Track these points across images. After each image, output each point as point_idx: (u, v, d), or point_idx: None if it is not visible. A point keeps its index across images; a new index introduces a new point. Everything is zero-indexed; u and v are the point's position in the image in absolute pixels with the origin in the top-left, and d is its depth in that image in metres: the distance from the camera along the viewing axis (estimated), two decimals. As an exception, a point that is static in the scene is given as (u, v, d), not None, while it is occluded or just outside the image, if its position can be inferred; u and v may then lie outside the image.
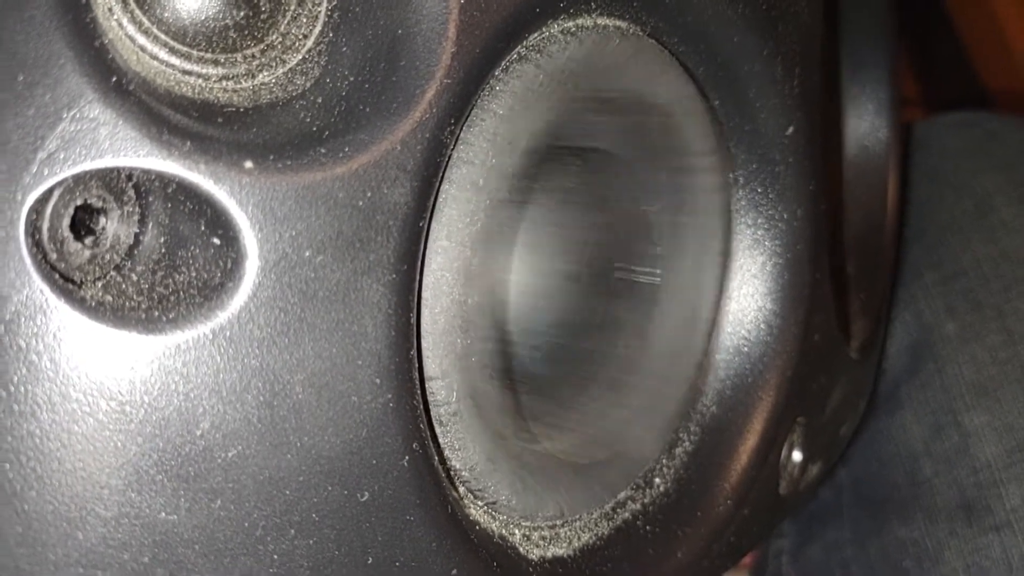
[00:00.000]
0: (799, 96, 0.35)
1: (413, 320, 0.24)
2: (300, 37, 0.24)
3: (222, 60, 0.23)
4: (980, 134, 0.70)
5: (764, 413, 0.37)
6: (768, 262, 0.37)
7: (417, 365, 0.25)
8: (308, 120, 0.23)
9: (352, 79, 0.23)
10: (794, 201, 0.37)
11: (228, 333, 0.21)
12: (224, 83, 0.23)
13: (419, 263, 0.25)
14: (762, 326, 0.37)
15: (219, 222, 0.21)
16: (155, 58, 0.22)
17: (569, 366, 0.33)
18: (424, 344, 0.26)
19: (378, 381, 0.23)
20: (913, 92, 2.10)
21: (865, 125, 0.56)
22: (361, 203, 0.22)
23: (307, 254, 0.22)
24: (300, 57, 0.24)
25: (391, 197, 0.23)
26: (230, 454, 0.21)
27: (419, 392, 0.25)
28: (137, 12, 0.21)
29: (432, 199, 0.25)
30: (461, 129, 0.26)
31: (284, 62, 0.24)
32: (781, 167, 0.36)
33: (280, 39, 0.24)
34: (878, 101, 0.55)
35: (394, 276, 0.23)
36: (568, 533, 0.32)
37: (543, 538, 0.31)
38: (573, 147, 0.32)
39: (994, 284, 0.62)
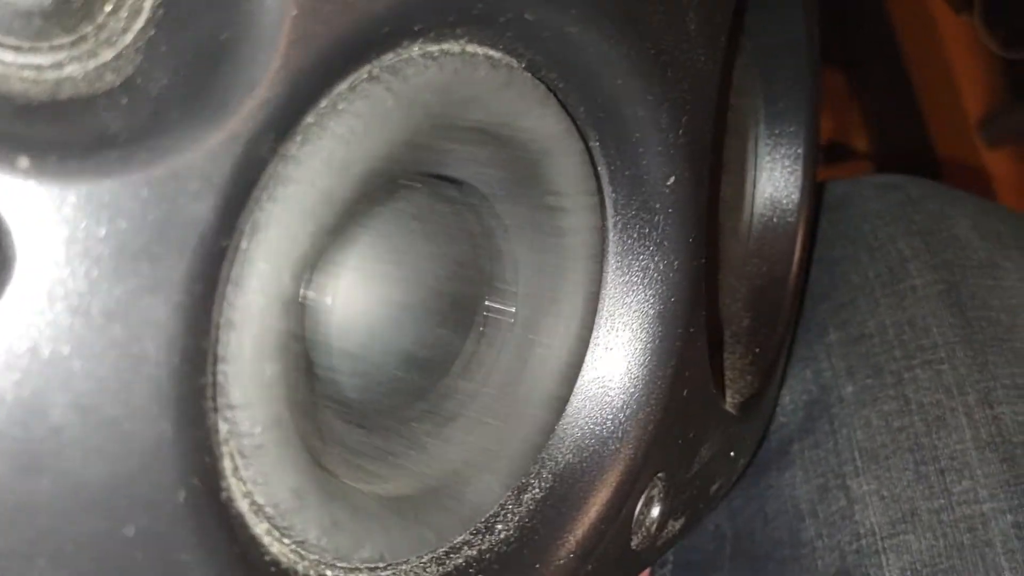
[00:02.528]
0: (684, 146, 0.34)
1: (208, 345, 0.23)
2: (119, 31, 0.22)
3: (25, 48, 0.21)
4: (902, 198, 0.70)
5: (621, 466, 0.36)
6: (639, 311, 0.36)
7: (213, 393, 0.23)
8: (108, 121, 0.21)
9: (165, 81, 0.22)
10: (671, 252, 0.36)
11: (-23, 343, 0.19)
12: (25, 72, 0.21)
13: (221, 284, 0.23)
14: (626, 377, 0.36)
15: (-19, 222, 0.19)
16: (-56, 38, 0.20)
17: (409, 401, 0.32)
18: (229, 370, 0.24)
19: (155, 409, 0.21)
20: (865, 147, 2.13)
21: (778, 179, 0.55)
22: (151, 216, 0.21)
23: (81, 265, 0.20)
24: (115, 53, 0.22)
25: (189, 211, 0.21)
26: (-29, 474, 0.20)
27: (211, 422, 0.23)
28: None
29: (245, 217, 0.23)
30: (292, 146, 0.24)
31: (96, 56, 0.22)
32: (660, 216, 0.35)
33: (95, 31, 0.22)
34: (793, 156, 0.55)
35: (184, 297, 0.21)
36: (391, 577, 0.31)
37: (360, 580, 0.30)
38: (431, 175, 0.31)
39: (897, 351, 0.62)
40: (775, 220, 0.55)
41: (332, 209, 0.25)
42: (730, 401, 0.48)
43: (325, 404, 0.29)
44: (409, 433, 0.32)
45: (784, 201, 0.55)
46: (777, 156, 0.55)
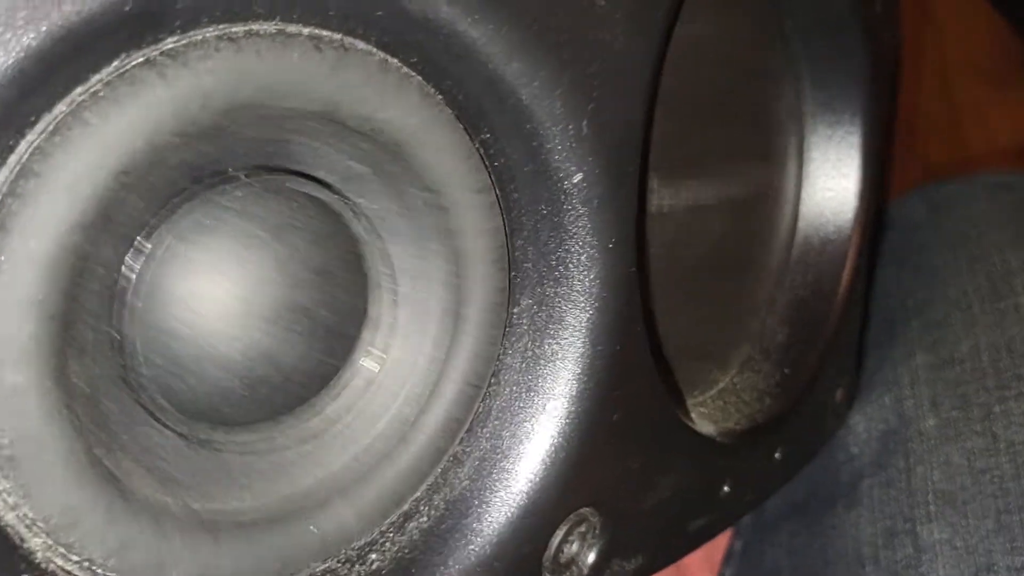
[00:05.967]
0: (590, 139, 0.30)
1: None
2: None
3: None
4: (1016, 201, 0.60)
5: (525, 497, 0.32)
6: (551, 324, 0.32)
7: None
8: None
9: None
10: (587, 259, 0.31)
11: None
12: None
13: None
14: (535, 398, 0.32)
15: None
16: None
17: (249, 417, 0.29)
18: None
19: None
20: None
21: (828, 178, 0.48)
22: None
23: None
24: None
25: None
26: None
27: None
28: None
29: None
30: (40, 137, 0.23)
31: None
32: (569, 218, 0.31)
33: None
34: (848, 151, 0.48)
35: None
36: (223, 602, 0.28)
37: (180, 604, 0.27)
38: (285, 170, 0.28)
39: (990, 380, 0.54)
40: (824, 227, 0.49)
41: (82, 206, 0.23)
42: (730, 427, 0.42)
43: (149, 414, 0.27)
44: (254, 449, 0.29)
45: (836, 205, 0.49)
46: (829, 152, 0.48)
